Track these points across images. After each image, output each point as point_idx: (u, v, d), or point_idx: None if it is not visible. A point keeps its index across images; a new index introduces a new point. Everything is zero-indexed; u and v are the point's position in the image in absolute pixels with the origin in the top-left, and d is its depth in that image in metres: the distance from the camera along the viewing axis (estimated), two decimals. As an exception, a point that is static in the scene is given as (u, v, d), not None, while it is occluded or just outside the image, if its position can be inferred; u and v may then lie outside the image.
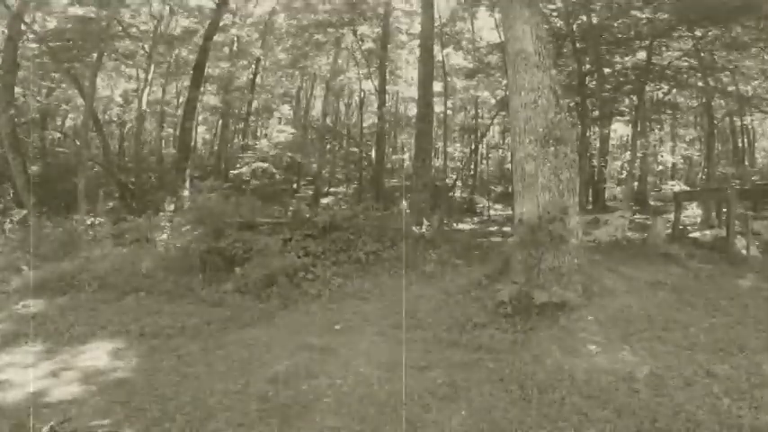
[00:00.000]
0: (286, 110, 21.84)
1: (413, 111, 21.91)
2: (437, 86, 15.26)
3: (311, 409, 3.22)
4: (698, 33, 10.87)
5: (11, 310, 5.39)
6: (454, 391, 3.44)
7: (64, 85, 14.47)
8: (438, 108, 16.70)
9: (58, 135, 16.18)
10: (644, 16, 10.31)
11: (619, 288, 5.14)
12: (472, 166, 19.60)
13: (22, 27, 10.31)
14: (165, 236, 7.62)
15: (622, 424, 3.00)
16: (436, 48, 14.18)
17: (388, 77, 17.83)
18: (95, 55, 11.09)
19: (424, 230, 8.50)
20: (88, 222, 8.49)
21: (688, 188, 13.06)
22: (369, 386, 3.51)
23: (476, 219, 14.67)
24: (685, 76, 11.64)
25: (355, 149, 17.74)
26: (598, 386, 3.43)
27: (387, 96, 18.54)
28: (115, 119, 18.41)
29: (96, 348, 4.33)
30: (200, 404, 3.31)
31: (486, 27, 18.76)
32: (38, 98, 13.92)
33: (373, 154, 17.46)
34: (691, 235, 8.59)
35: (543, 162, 5.09)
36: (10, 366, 3.93)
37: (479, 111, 20.22)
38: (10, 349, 4.31)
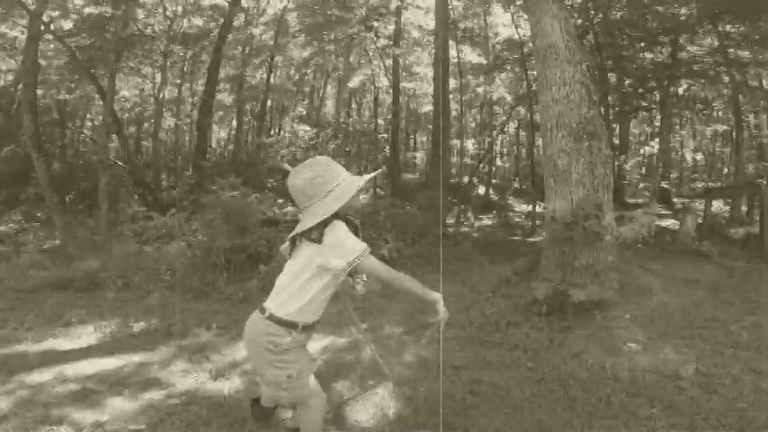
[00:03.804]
0: (300, 108, 21.88)
1: (426, 108, 21.90)
2: (451, 83, 15.16)
3: (344, 411, 3.15)
4: (722, 29, 10.64)
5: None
6: (494, 391, 3.36)
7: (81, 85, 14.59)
8: (453, 105, 16.58)
9: (79, 134, 16.32)
10: (668, 12, 10.10)
11: (654, 286, 5.02)
12: (487, 163, 19.43)
13: (41, 27, 10.38)
14: (188, 234, 7.62)
15: (673, 421, 2.91)
16: (450, 43, 14.07)
17: (402, 74, 17.70)
18: (113, 55, 11.13)
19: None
20: (111, 221, 8.55)
21: (715, 185, 12.81)
22: (402, 386, 3.43)
23: (492, 215, 14.53)
24: (711, 72, 11.39)
25: (369, 146, 17.66)
26: (643, 384, 3.35)
27: (401, 93, 18.42)
28: (133, 118, 18.53)
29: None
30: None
31: (499, 23, 18.68)
32: (58, 98, 14.03)
33: (388, 151, 17.38)
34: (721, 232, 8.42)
35: (577, 158, 4.98)
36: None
37: (495, 107, 20.04)
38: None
